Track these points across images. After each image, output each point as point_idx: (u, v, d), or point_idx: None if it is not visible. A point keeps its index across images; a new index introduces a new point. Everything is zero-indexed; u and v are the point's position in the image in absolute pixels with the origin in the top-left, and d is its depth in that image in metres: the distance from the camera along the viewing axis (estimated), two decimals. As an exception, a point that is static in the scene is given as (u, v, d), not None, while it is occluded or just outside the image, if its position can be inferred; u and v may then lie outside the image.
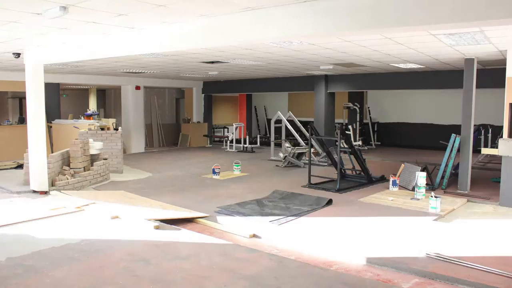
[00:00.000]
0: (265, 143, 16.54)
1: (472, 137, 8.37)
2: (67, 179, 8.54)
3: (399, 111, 16.95)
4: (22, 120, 13.39)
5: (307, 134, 10.47)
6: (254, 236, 5.59)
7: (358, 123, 16.06)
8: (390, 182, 8.43)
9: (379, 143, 17.05)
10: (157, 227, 5.74)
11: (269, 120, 12.36)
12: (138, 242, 5.22)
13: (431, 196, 6.81)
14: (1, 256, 4.66)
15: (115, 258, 4.66)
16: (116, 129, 12.95)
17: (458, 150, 8.41)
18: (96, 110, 17.52)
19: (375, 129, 17.09)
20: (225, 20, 4.77)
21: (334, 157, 9.94)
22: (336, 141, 9.19)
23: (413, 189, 7.99)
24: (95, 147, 9.62)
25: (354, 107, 16.01)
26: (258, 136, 16.49)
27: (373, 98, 17.59)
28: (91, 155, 9.49)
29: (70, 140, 9.22)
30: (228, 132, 18.18)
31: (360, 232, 5.74)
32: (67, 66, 10.65)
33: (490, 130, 12.93)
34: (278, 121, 13.18)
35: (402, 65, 10.09)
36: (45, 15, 4.64)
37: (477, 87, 8.30)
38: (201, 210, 6.73)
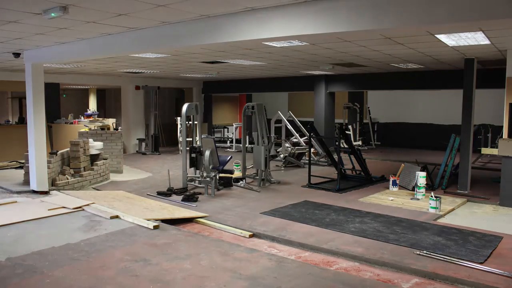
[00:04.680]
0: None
1: (472, 137, 8.37)
2: (67, 179, 8.54)
3: (399, 111, 16.95)
4: (22, 120, 13.41)
5: (307, 134, 10.46)
6: (254, 236, 5.59)
7: (358, 123, 16.06)
8: (390, 182, 8.43)
9: (379, 143, 17.05)
10: (156, 227, 5.74)
11: (269, 120, 12.38)
12: (138, 242, 5.22)
13: (431, 196, 6.81)
14: (1, 256, 4.67)
15: (115, 258, 4.67)
16: (116, 129, 12.96)
17: (458, 150, 8.41)
18: (96, 110, 17.55)
19: (375, 129, 17.08)
20: (225, 20, 4.77)
21: (334, 157, 9.94)
22: (336, 141, 9.19)
23: (413, 189, 7.99)
24: (95, 147, 9.62)
25: (354, 107, 16.01)
26: None
27: (373, 98, 17.59)
28: (91, 155, 9.50)
29: (70, 140, 9.23)
30: (228, 132, 18.16)
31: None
32: (67, 66, 10.65)
33: (490, 130, 12.93)
34: (278, 121, 13.18)
35: (402, 65, 10.09)
36: (45, 15, 4.64)
37: (477, 87, 8.31)
38: (201, 210, 6.73)
